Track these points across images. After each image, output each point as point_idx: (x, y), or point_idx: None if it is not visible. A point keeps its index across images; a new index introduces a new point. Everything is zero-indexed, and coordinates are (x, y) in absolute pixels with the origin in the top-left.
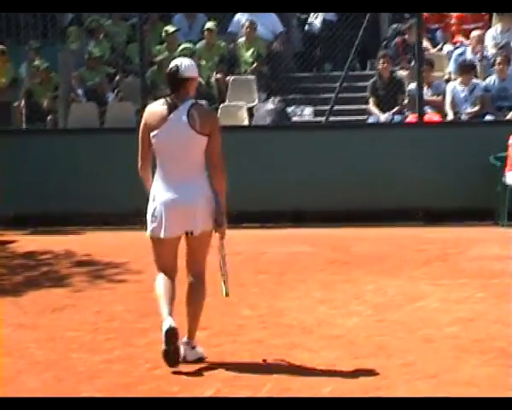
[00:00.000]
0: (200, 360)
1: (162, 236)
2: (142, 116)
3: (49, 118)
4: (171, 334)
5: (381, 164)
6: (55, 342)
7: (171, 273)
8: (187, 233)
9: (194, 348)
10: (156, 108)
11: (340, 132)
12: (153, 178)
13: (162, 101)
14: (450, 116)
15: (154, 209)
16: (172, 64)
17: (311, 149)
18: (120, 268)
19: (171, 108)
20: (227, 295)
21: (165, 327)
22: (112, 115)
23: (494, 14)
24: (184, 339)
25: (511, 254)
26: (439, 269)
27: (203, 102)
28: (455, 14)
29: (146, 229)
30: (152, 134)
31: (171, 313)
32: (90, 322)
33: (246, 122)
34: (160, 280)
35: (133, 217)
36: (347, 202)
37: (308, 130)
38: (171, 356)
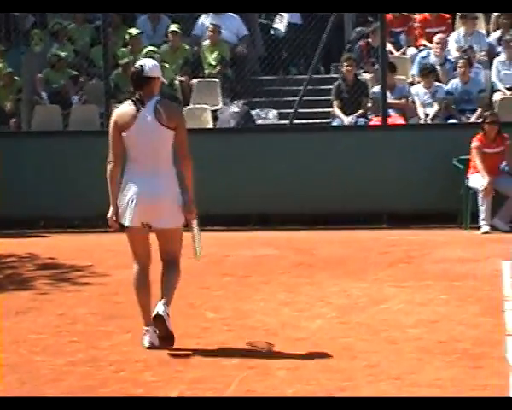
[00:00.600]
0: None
1: (128, 224)
2: (110, 119)
3: (12, 120)
4: (159, 322)
5: (344, 167)
6: (18, 345)
7: (144, 260)
8: (150, 226)
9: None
10: (125, 108)
11: (304, 135)
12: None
13: (129, 102)
14: (421, 118)
15: (125, 199)
16: (137, 65)
17: (275, 152)
18: (84, 271)
19: (138, 106)
20: (198, 256)
21: (145, 340)
22: (76, 118)
23: (457, 18)
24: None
25: (474, 256)
26: (403, 271)
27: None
28: (418, 18)
29: (109, 231)
30: (123, 134)
31: (150, 323)
32: (54, 325)
33: (210, 125)
34: (135, 276)
35: (97, 220)
36: (312, 204)
37: (273, 133)
38: (169, 340)
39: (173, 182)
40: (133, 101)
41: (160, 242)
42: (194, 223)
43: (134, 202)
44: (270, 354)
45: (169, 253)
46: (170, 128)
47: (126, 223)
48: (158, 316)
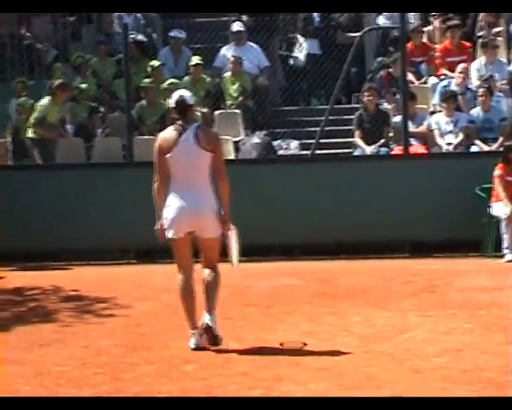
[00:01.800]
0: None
1: (174, 236)
2: (133, 149)
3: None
4: (209, 332)
5: (367, 197)
6: (42, 378)
7: (187, 271)
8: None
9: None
10: (168, 133)
11: (326, 165)
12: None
13: (172, 127)
14: (443, 148)
15: (169, 214)
16: (176, 95)
17: (297, 182)
18: (108, 303)
19: (181, 131)
20: (236, 264)
21: (192, 343)
22: (99, 150)
23: (478, 47)
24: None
25: (498, 285)
26: (427, 300)
27: None
28: (439, 48)
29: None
30: (167, 156)
31: (196, 326)
32: (78, 357)
33: (232, 156)
34: (181, 284)
35: (120, 252)
36: (334, 234)
37: (294, 163)
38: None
39: (212, 197)
40: (176, 126)
41: (203, 251)
42: (232, 233)
43: (178, 215)
44: (292, 383)
45: (211, 259)
46: (208, 151)
47: (172, 235)
48: (207, 327)
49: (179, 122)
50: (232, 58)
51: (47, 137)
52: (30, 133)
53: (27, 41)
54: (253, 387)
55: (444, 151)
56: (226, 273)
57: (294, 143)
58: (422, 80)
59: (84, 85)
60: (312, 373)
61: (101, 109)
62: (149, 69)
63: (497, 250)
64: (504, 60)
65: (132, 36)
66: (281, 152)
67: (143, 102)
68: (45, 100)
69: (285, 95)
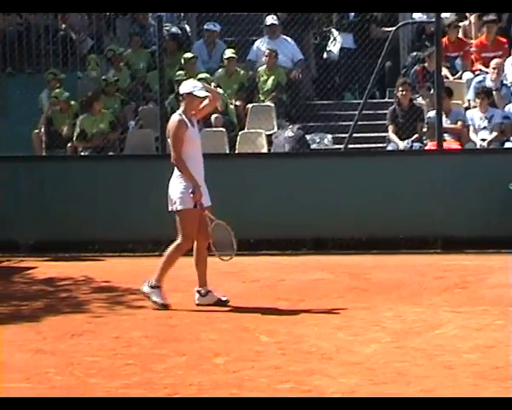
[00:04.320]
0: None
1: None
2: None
3: (68, 145)
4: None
5: (399, 191)
6: (73, 368)
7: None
8: None
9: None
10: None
11: (359, 160)
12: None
13: None
14: (476, 144)
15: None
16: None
17: (330, 176)
18: (139, 294)
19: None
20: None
21: None
22: (132, 142)
23: None
24: None
25: None
26: (459, 296)
27: (222, 129)
28: (474, 43)
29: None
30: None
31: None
32: (109, 348)
33: (265, 149)
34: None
35: (151, 244)
36: (367, 229)
37: (327, 157)
38: None
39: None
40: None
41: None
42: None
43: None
44: (324, 378)
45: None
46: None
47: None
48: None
49: None
50: (267, 51)
51: (93, 146)
52: (79, 150)
53: (62, 32)
54: (284, 380)
55: (477, 147)
56: (257, 267)
57: (327, 137)
58: (457, 75)
59: (114, 78)
60: (344, 368)
61: (129, 102)
62: (182, 61)
63: None
64: None
65: (166, 28)
66: (314, 146)
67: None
68: (84, 115)
69: (318, 89)
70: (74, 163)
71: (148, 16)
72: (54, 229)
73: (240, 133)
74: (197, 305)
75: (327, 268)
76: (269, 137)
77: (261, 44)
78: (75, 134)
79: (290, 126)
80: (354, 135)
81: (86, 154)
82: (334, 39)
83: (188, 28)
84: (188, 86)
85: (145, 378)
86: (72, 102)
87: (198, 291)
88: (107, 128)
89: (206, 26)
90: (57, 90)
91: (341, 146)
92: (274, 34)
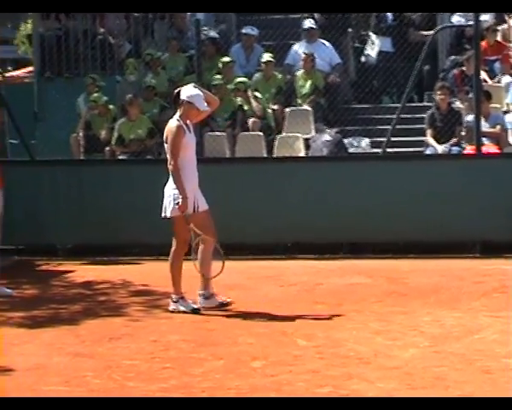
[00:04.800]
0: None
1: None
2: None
3: (107, 149)
4: None
5: (438, 196)
6: (112, 371)
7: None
8: None
9: None
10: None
11: (397, 164)
12: None
13: None
14: None
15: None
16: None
17: (368, 180)
18: None
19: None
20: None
21: None
22: None
23: None
24: None
25: None
26: (498, 301)
27: (260, 133)
28: None
29: None
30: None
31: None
32: (147, 351)
33: (302, 153)
34: (179, 255)
35: (189, 247)
36: (404, 233)
37: (365, 161)
38: None
39: None
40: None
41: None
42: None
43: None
44: (362, 382)
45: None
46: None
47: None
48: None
49: None
50: (304, 55)
51: (131, 151)
52: (117, 154)
53: (101, 36)
54: (322, 385)
55: None
56: (294, 271)
57: (365, 141)
58: (496, 79)
59: (153, 82)
60: (382, 372)
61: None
62: (220, 65)
63: None
64: None
65: (204, 32)
66: (351, 150)
67: None
68: (121, 120)
69: (356, 92)
70: (112, 167)
71: (185, 20)
72: (92, 232)
73: (277, 137)
74: (203, 308)
75: (364, 272)
76: (306, 141)
77: (299, 48)
78: (113, 138)
79: (328, 130)
80: (392, 139)
81: (124, 158)
82: (373, 43)
83: (225, 31)
84: (190, 94)
85: (183, 382)
86: (111, 107)
87: (202, 294)
88: (144, 134)
89: (244, 30)
90: (96, 95)
91: (379, 150)
92: (312, 38)
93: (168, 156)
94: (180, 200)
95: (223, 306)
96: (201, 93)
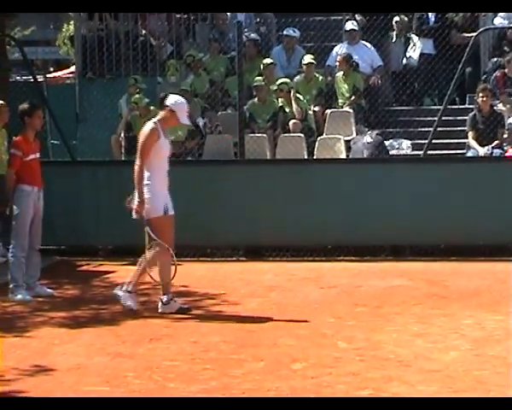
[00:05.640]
0: None
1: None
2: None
3: None
4: None
5: (479, 198)
6: (152, 372)
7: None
8: None
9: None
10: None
11: (438, 166)
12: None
13: None
14: None
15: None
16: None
17: (408, 182)
18: (217, 299)
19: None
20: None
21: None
22: (210, 148)
23: None
24: None
25: None
26: None
27: (301, 135)
28: None
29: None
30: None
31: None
32: (187, 352)
33: (343, 155)
34: (164, 258)
35: (229, 249)
36: (446, 235)
37: (406, 163)
38: None
39: None
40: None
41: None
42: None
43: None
44: (402, 385)
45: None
46: None
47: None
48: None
49: None
50: (339, 57)
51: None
52: None
53: (142, 38)
54: (362, 387)
55: None
56: (334, 273)
57: (406, 143)
58: None
59: (190, 85)
60: (423, 375)
61: (207, 108)
62: (261, 67)
63: None
64: None
65: (246, 34)
66: (393, 152)
67: (255, 99)
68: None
69: (398, 94)
70: None
71: (227, 22)
72: (133, 233)
73: (318, 139)
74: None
75: (405, 275)
76: (347, 142)
77: (340, 50)
78: None
79: (369, 132)
80: (433, 141)
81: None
82: (414, 45)
83: (266, 33)
84: (175, 102)
85: (223, 383)
86: (152, 108)
87: (161, 299)
88: (184, 136)
89: (285, 32)
90: (137, 96)
91: (421, 152)
92: (353, 40)
93: (137, 157)
94: (137, 201)
95: (182, 310)
96: (186, 106)
